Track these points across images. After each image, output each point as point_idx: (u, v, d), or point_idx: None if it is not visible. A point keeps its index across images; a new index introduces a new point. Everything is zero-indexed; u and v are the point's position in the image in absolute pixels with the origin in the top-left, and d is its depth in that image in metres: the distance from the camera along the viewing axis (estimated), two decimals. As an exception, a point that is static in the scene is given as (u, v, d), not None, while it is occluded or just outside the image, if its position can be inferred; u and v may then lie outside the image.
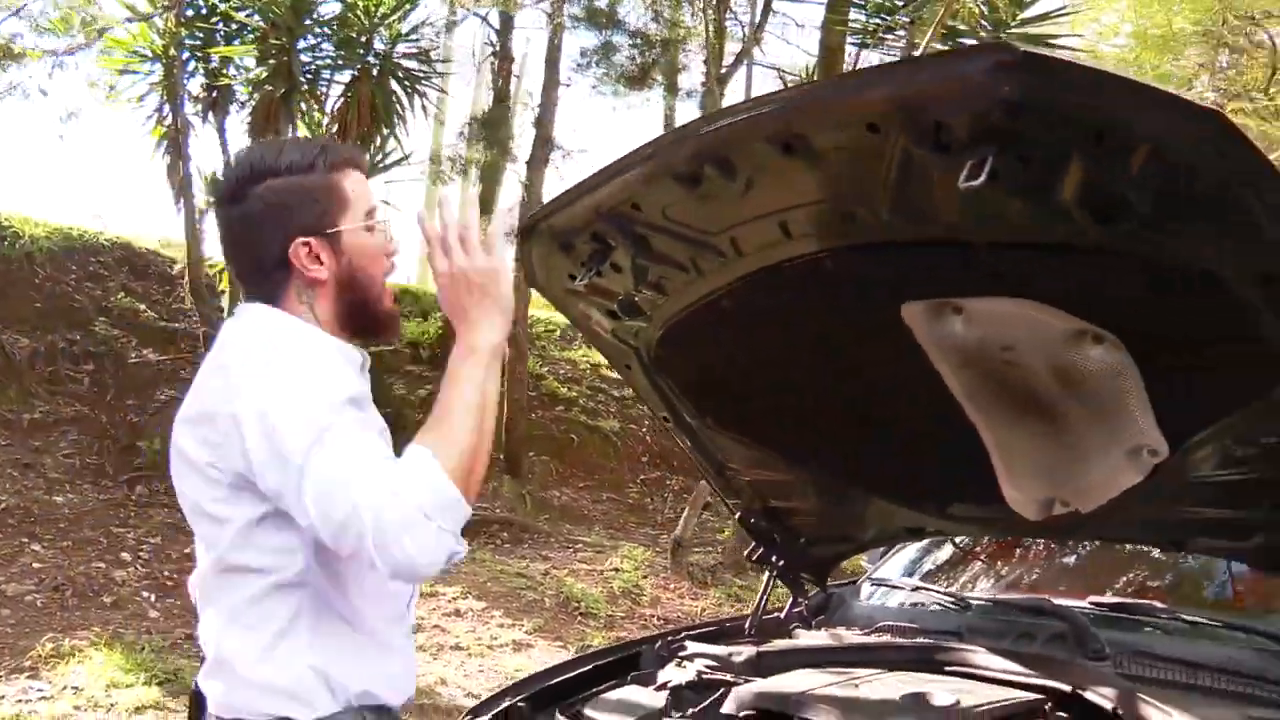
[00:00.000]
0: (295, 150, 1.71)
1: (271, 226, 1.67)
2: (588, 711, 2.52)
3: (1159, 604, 2.66)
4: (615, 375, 12.24)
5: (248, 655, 1.61)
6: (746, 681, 2.53)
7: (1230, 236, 1.62)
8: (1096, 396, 2.09)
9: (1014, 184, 1.65)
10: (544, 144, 8.97)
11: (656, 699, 2.52)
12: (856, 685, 2.38)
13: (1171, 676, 2.25)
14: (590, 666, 2.76)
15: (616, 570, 7.87)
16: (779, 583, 3.15)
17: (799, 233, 2.15)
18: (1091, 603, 2.64)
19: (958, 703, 2.19)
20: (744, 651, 2.69)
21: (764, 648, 2.74)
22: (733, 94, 10.26)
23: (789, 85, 8.36)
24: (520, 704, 2.56)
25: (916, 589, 3.13)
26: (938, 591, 3.05)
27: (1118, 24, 10.27)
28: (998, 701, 2.19)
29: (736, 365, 2.69)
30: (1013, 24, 7.69)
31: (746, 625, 3.04)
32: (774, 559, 3.09)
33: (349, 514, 1.44)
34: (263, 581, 1.60)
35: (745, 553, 3.16)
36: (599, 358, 12.91)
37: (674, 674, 2.66)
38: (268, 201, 1.66)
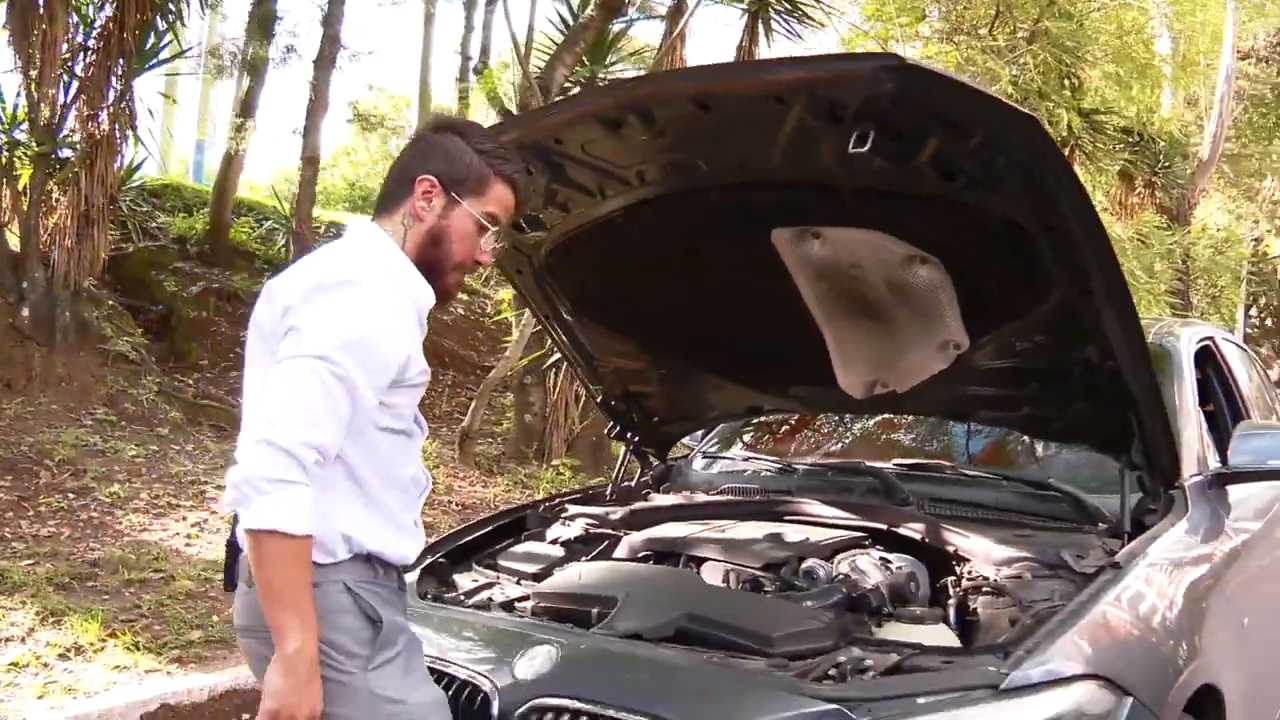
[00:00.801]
0: (490, 139, 2.11)
1: (430, 159, 2.04)
2: (501, 561, 3.05)
3: (945, 463, 3.47)
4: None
5: None
6: (626, 534, 3.16)
7: (1029, 195, 2.32)
8: (919, 304, 2.80)
9: (885, 150, 2.29)
10: (331, 43, 9.01)
11: (554, 550, 3.09)
12: (723, 531, 3.05)
13: (960, 514, 3.02)
14: (490, 529, 3.29)
15: (407, 462, 8.28)
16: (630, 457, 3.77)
17: (698, 170, 2.73)
18: (895, 463, 3.41)
19: (806, 539, 2.90)
20: (617, 511, 3.32)
21: (633, 507, 3.37)
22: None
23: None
24: (441, 560, 3.07)
25: (747, 459, 3.83)
26: (766, 459, 3.77)
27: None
28: (833, 538, 2.91)
29: (617, 272, 3.25)
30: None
31: (608, 492, 3.65)
32: (630, 436, 3.71)
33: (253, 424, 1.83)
34: None
35: (605, 430, 3.74)
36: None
37: (562, 531, 3.26)
38: (445, 149, 2.05)
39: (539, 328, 8.64)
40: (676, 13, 8.24)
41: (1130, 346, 2.51)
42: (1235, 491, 3.19)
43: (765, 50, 9.03)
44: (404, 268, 2.03)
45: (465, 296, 12.69)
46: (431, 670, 2.30)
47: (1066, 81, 13.12)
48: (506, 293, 13.03)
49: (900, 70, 2.13)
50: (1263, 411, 4.24)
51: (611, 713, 2.07)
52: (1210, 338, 3.94)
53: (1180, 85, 16.94)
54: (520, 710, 2.16)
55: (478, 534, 3.26)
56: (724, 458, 3.90)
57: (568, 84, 8.82)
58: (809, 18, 8.93)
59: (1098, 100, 13.65)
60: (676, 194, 2.85)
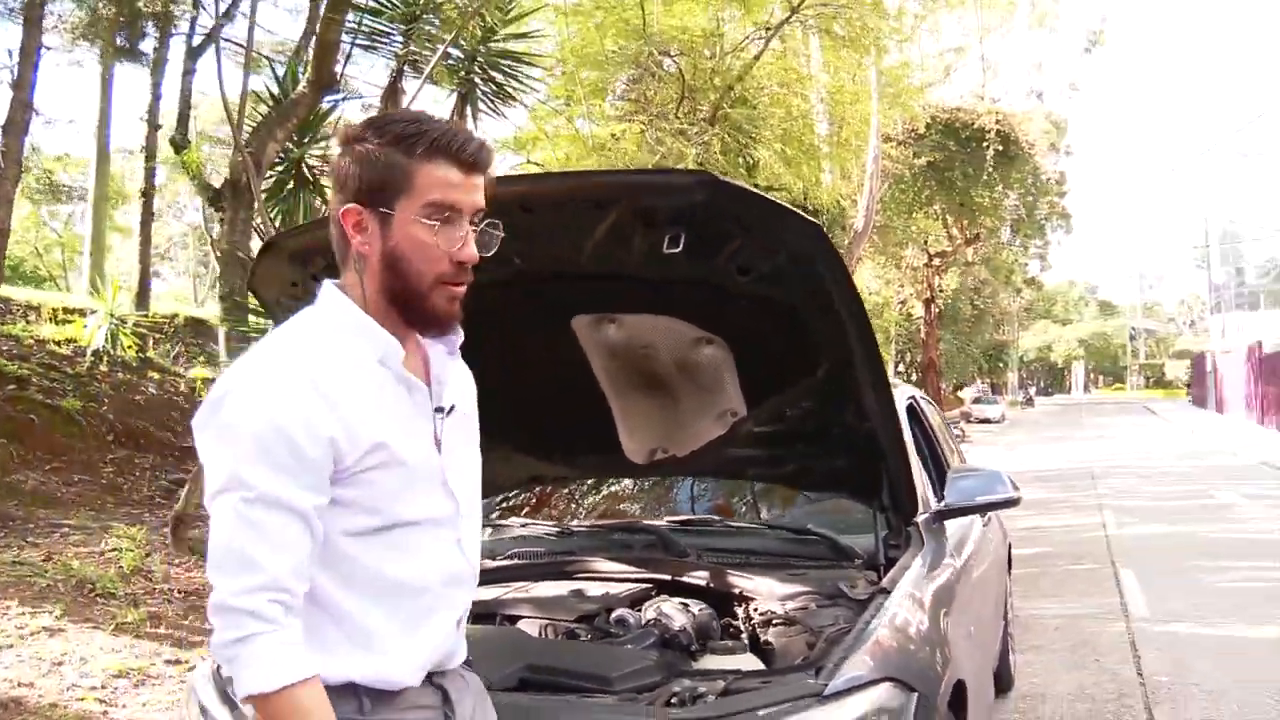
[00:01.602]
0: (403, 124, 1.71)
1: (343, 188, 1.72)
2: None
3: (714, 517, 3.95)
4: (66, 351, 11.82)
5: None
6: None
7: (808, 287, 2.83)
8: (703, 378, 3.27)
9: (693, 250, 2.73)
10: (22, 108, 8.59)
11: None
12: (529, 590, 3.37)
13: (734, 561, 3.48)
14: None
15: (118, 550, 7.93)
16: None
17: (511, 264, 3.07)
18: (668, 520, 3.85)
19: (607, 592, 3.27)
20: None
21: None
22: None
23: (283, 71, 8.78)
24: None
25: (525, 525, 4.14)
26: (543, 524, 4.11)
27: (566, 40, 11.91)
28: (630, 590, 3.30)
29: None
30: (493, 39, 8.86)
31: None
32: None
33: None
34: None
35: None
36: (45, 331, 12.30)
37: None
38: (350, 168, 1.70)
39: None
40: (392, 92, 8.51)
41: (882, 409, 3.08)
42: (948, 525, 3.86)
43: (471, 126, 9.44)
44: (341, 327, 1.73)
45: (156, 375, 12.22)
46: None
47: (742, 160, 14.41)
48: (200, 372, 12.68)
49: (710, 184, 2.59)
50: (948, 454, 5.07)
51: None
52: (913, 396, 4.69)
53: (837, 163, 18.80)
54: None
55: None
56: (502, 525, 4.19)
57: (278, 159, 8.87)
58: (512, 98, 9.45)
59: (771, 177, 15.06)
60: (488, 285, 3.18)
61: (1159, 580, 8.94)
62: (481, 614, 3.24)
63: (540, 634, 3.10)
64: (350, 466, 1.66)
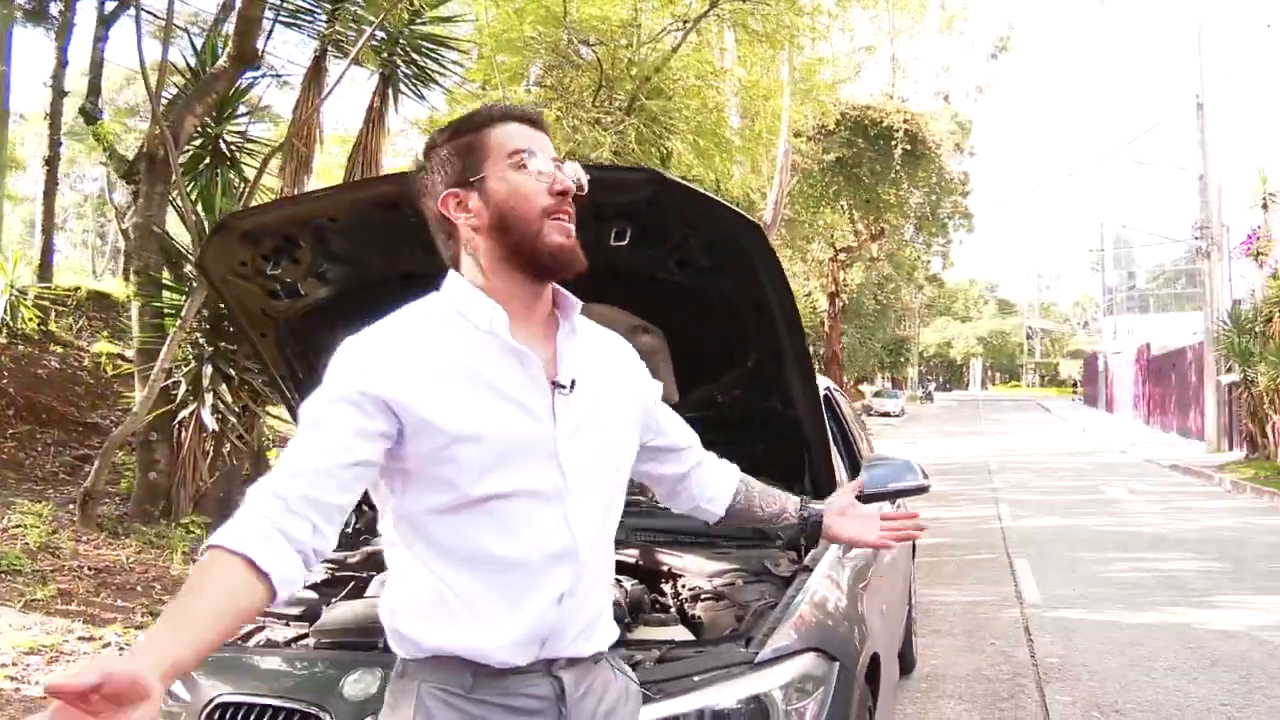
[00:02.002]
0: (462, 119, 1.86)
1: (433, 183, 1.82)
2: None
3: (641, 498, 4.11)
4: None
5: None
6: (370, 575, 3.49)
7: (744, 281, 3.01)
8: (639, 365, 3.43)
9: (638, 243, 2.90)
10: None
11: (308, 594, 3.35)
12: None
13: (661, 540, 3.65)
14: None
15: (22, 527, 7.84)
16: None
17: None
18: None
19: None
20: (357, 554, 3.65)
21: (369, 550, 3.69)
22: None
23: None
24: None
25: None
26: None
27: (485, 25, 11.96)
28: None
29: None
30: (418, 21, 8.91)
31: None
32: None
33: None
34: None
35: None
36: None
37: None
38: (432, 169, 1.82)
39: (170, 381, 8.56)
40: (316, 72, 8.49)
41: (808, 398, 3.28)
42: (863, 510, 4.09)
43: (392, 110, 9.47)
44: (451, 303, 1.79)
45: (59, 349, 11.98)
46: (262, 709, 2.59)
47: (656, 150, 14.59)
48: (105, 347, 12.46)
49: (658, 182, 2.76)
50: (860, 444, 5.33)
51: None
52: (829, 387, 4.92)
53: (749, 157, 19.10)
54: None
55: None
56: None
57: (195, 134, 8.79)
58: (433, 81, 9.50)
59: (684, 168, 15.28)
60: (427, 272, 3.30)
61: (1051, 569, 9.40)
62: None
63: None
64: (425, 439, 1.68)
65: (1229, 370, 22.46)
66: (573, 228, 1.80)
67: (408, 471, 1.71)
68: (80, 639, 5.90)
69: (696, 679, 2.54)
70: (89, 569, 7.38)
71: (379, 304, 3.37)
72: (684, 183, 2.84)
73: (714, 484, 2.24)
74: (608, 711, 1.84)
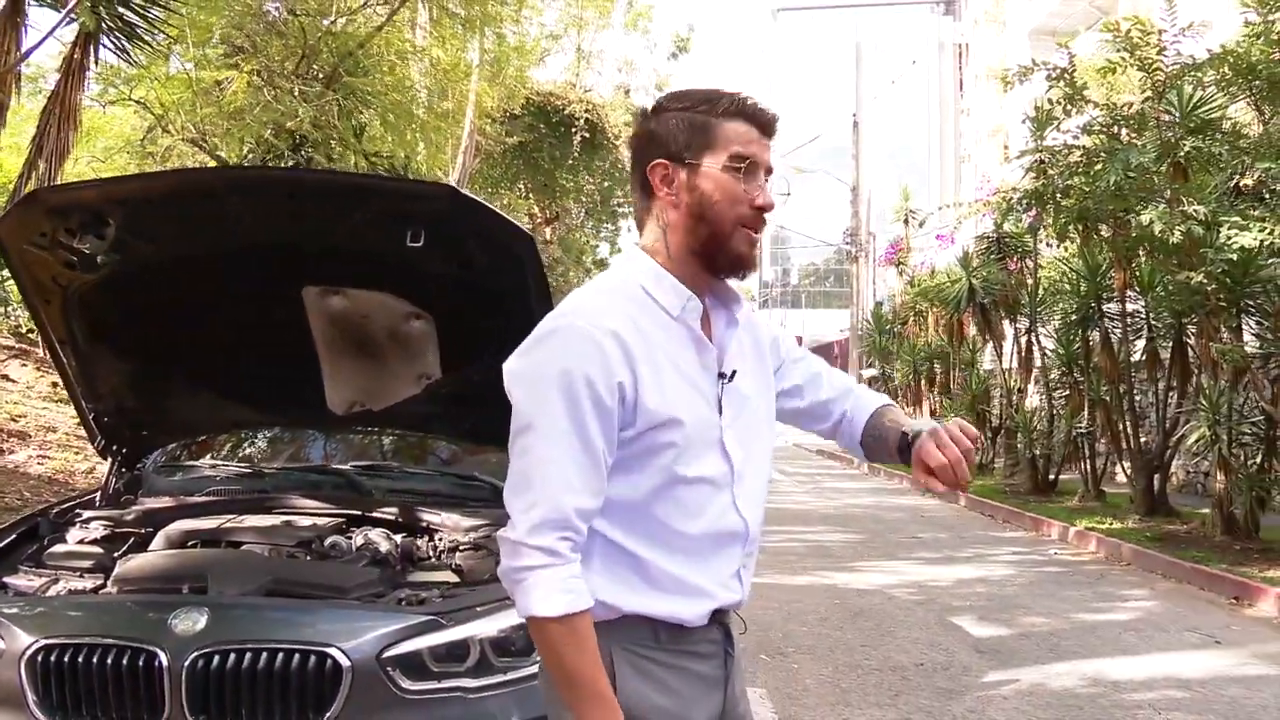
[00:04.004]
0: (704, 91, 1.90)
1: (649, 148, 1.87)
2: (47, 562, 3.56)
3: (394, 464, 4.63)
4: None
5: None
6: (148, 530, 3.83)
7: (512, 281, 3.61)
8: (408, 347, 3.97)
9: (430, 244, 3.44)
10: None
11: (93, 549, 3.67)
12: (243, 521, 3.90)
13: (415, 501, 4.17)
14: (12, 537, 3.73)
15: None
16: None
17: (255, 236, 3.62)
18: (353, 465, 4.48)
19: (315, 523, 3.89)
20: (129, 513, 3.97)
21: (144, 508, 4.03)
22: None
23: None
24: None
25: (214, 465, 4.60)
26: (235, 465, 4.60)
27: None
28: (334, 522, 3.93)
29: (150, 307, 3.93)
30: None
31: (98, 499, 4.22)
32: (116, 448, 4.30)
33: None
34: None
35: (95, 444, 4.26)
36: None
37: (83, 533, 3.83)
38: (656, 132, 1.88)
39: None
40: (14, 12, 8.21)
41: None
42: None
43: (92, 66, 9.26)
44: (644, 283, 1.87)
45: None
46: (91, 648, 2.87)
47: (352, 124, 14.74)
48: None
49: (453, 196, 3.34)
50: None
51: (270, 646, 2.88)
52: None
53: (437, 135, 19.45)
54: (188, 660, 2.84)
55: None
56: (189, 465, 4.61)
57: None
58: (141, 39, 9.37)
59: (377, 142, 15.51)
60: (226, 253, 3.71)
61: (717, 540, 10.53)
62: (208, 540, 3.73)
63: (270, 556, 3.62)
64: (635, 424, 1.78)
65: (870, 365, 25.14)
66: (759, 238, 1.90)
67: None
68: None
69: (479, 609, 3.13)
70: None
71: (169, 279, 3.77)
72: (472, 197, 3.43)
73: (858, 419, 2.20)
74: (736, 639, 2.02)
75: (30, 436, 10.87)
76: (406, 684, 2.97)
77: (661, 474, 1.79)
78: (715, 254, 1.86)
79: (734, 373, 1.90)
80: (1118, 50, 10.33)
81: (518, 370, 1.78)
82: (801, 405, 2.17)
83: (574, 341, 1.73)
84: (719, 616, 1.92)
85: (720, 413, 1.87)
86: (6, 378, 12.67)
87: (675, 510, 1.81)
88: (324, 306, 3.86)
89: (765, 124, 1.88)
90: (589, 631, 1.72)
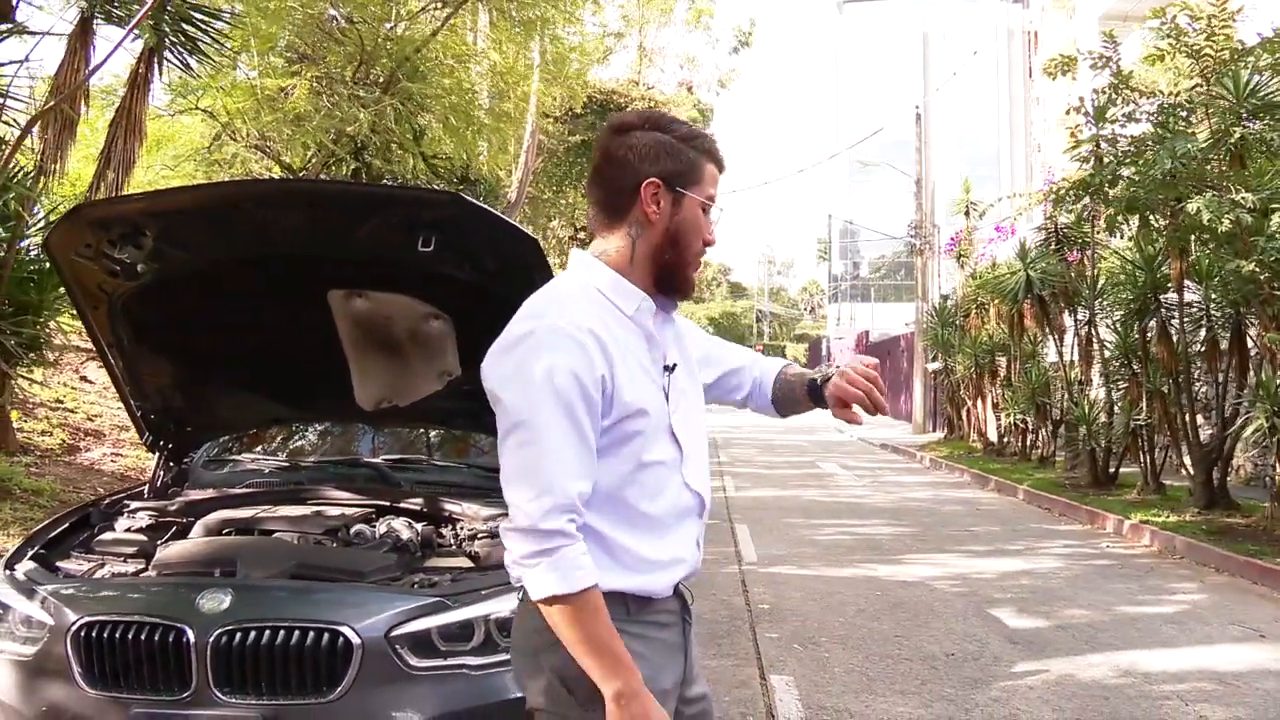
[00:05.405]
0: (684, 125, 2.11)
1: (648, 160, 2.03)
2: (96, 549, 3.86)
3: (422, 457, 4.86)
4: None
5: None
6: (190, 520, 4.11)
7: (520, 283, 3.78)
8: (429, 346, 4.19)
9: (441, 249, 3.64)
10: None
11: (139, 536, 3.96)
12: (276, 511, 4.15)
13: (441, 491, 4.40)
14: (64, 526, 4.02)
15: None
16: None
17: (278, 245, 3.86)
18: (383, 458, 4.72)
19: (343, 512, 4.12)
20: (173, 504, 4.25)
21: (187, 499, 4.31)
22: None
23: None
24: (41, 552, 3.78)
25: (255, 460, 4.87)
26: (274, 460, 4.87)
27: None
28: (362, 511, 4.16)
29: (188, 311, 4.20)
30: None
31: (146, 491, 4.51)
32: (164, 444, 4.58)
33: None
34: None
35: (144, 439, 4.55)
36: None
37: (131, 522, 4.11)
38: (656, 147, 2.04)
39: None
40: (83, 33, 8.61)
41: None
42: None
43: (157, 78, 9.64)
44: (599, 286, 2.04)
45: None
46: (127, 625, 3.15)
47: (410, 128, 15.08)
48: None
49: (460, 203, 3.53)
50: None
51: (287, 624, 3.13)
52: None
53: (498, 137, 19.76)
54: (212, 637, 3.10)
55: (54, 532, 3.98)
56: (232, 459, 4.90)
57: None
58: (202, 53, 9.72)
59: (436, 145, 15.86)
60: (255, 260, 3.96)
61: (766, 533, 10.70)
62: (242, 528, 4.00)
63: (297, 543, 3.88)
64: (612, 414, 1.95)
65: (934, 359, 25.00)
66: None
67: None
68: None
69: (484, 593, 3.33)
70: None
71: (205, 285, 4.02)
72: (481, 205, 3.63)
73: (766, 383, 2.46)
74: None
75: (105, 435, 11.34)
76: (414, 661, 3.18)
77: (630, 460, 1.98)
78: (672, 276, 2.08)
79: (674, 365, 2.11)
80: (1163, 38, 10.25)
81: (503, 372, 1.94)
82: (716, 379, 2.42)
83: (557, 341, 1.89)
84: (677, 587, 2.12)
85: (668, 401, 2.06)
86: (85, 379, 13.17)
87: (640, 493, 2.00)
88: (349, 309, 4.09)
89: (723, 167, 2.12)
90: (601, 602, 1.88)
